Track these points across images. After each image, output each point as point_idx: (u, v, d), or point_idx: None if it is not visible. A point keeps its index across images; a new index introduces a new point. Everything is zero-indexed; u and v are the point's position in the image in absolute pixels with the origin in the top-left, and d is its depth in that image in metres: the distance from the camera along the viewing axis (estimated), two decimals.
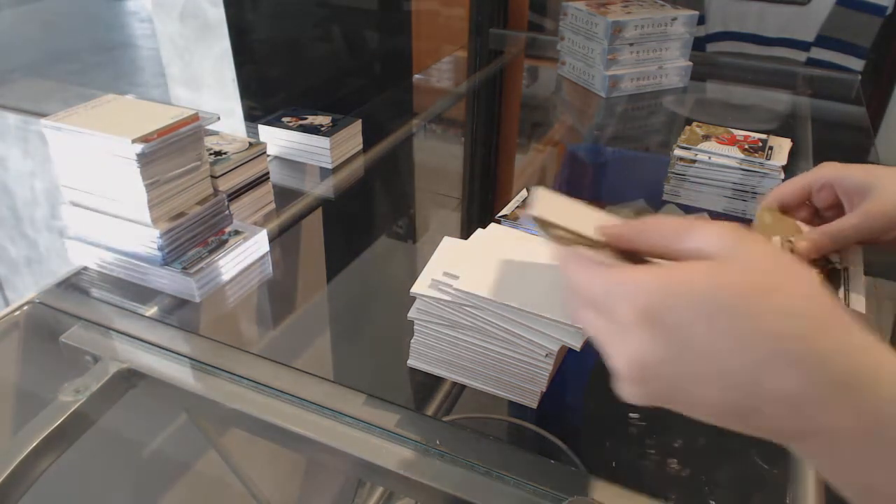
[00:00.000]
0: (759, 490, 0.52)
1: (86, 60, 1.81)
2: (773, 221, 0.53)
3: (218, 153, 0.78)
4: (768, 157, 0.82)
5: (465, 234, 0.59)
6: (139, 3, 2.14)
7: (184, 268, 0.67)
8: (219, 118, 0.78)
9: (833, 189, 0.53)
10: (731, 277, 0.29)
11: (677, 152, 0.86)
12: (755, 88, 1.33)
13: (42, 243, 1.59)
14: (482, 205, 1.03)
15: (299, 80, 1.22)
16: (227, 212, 0.73)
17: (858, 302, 0.49)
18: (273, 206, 0.85)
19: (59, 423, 0.55)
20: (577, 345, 0.49)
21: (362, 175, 0.99)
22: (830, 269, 0.51)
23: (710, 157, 0.84)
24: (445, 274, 0.52)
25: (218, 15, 1.01)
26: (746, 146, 0.85)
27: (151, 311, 0.67)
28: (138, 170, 0.63)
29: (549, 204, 0.34)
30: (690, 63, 1.26)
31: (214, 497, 0.83)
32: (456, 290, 0.51)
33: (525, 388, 0.54)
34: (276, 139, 0.97)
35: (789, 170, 0.84)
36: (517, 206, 0.68)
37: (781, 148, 0.85)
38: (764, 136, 0.87)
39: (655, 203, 0.86)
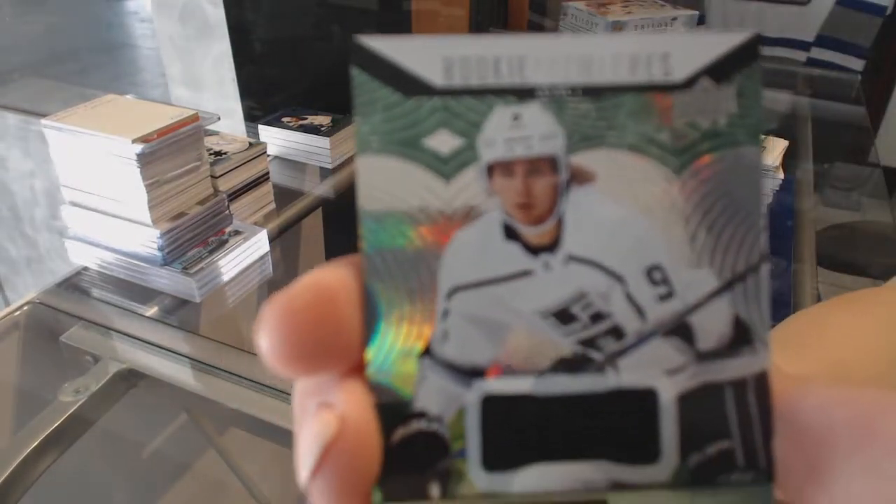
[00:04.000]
0: None
1: (86, 60, 1.81)
2: None
3: (218, 153, 0.78)
4: None
5: None
6: (139, 3, 2.14)
7: (184, 268, 0.67)
8: (219, 118, 0.78)
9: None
10: None
11: None
12: None
13: (42, 243, 1.59)
14: None
15: (299, 80, 1.22)
16: (227, 212, 0.73)
17: None
18: (273, 206, 0.85)
19: (59, 423, 0.55)
20: None
21: None
22: None
23: None
24: None
25: (218, 15, 1.01)
26: None
27: (151, 311, 0.67)
28: (138, 170, 0.63)
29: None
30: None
31: (214, 497, 0.83)
32: None
33: None
34: (276, 139, 0.97)
35: (786, 170, 0.84)
36: None
37: (774, 148, 0.84)
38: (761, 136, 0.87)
39: None
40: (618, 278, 0.14)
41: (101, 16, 2.11)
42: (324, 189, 0.93)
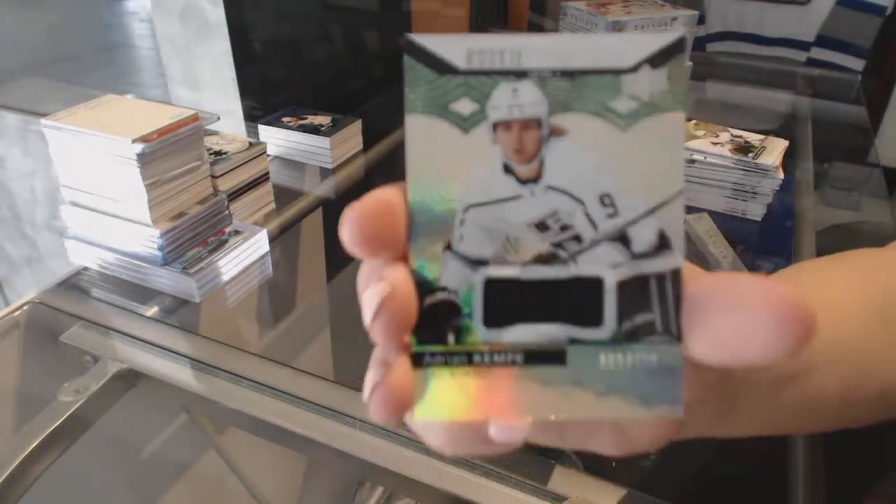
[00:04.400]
0: (759, 490, 0.52)
1: (85, 60, 1.81)
2: None
3: (218, 153, 0.78)
4: (756, 157, 0.82)
5: None
6: (139, 2, 2.14)
7: (184, 268, 0.67)
8: (219, 118, 0.78)
9: None
10: None
11: None
12: (755, 88, 1.33)
13: (42, 243, 1.59)
14: None
15: (299, 79, 1.22)
16: (227, 212, 0.73)
17: None
18: (273, 206, 0.85)
19: (58, 423, 0.55)
20: None
21: (362, 175, 0.99)
22: None
23: (705, 157, 0.84)
24: None
25: (218, 15, 1.01)
26: (737, 146, 0.85)
27: (151, 311, 0.67)
28: (138, 170, 0.63)
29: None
30: (690, 63, 1.26)
31: (214, 497, 0.83)
32: None
33: None
34: (276, 139, 0.97)
35: (786, 170, 0.84)
36: None
37: (774, 148, 0.84)
38: (761, 136, 0.88)
39: None
40: (580, 202, 0.20)
41: (100, 16, 2.11)
42: (324, 189, 0.93)
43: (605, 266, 0.20)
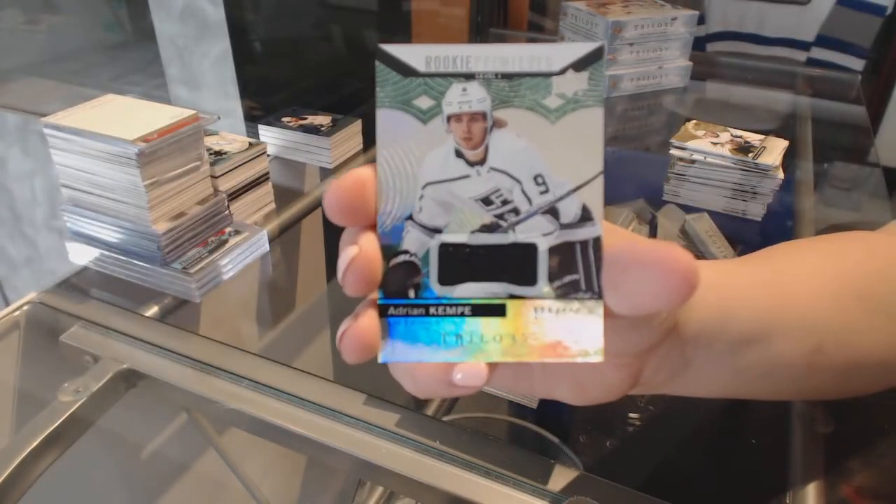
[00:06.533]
0: (759, 489, 0.52)
1: (85, 60, 1.81)
2: None
3: (218, 153, 0.78)
4: (756, 157, 0.82)
5: None
6: (139, 2, 2.13)
7: (184, 268, 0.67)
8: (219, 118, 0.78)
9: None
10: None
11: (673, 151, 0.86)
12: (755, 88, 1.33)
13: (42, 243, 1.59)
14: None
15: (299, 80, 1.22)
16: (227, 212, 0.73)
17: None
18: (273, 206, 0.85)
19: (58, 423, 0.54)
20: None
21: None
22: None
23: (705, 157, 0.84)
24: None
25: (218, 15, 1.01)
26: (737, 145, 0.85)
27: (151, 311, 0.67)
28: (138, 170, 0.63)
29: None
30: (690, 63, 1.26)
31: (214, 497, 0.83)
32: None
33: None
34: (276, 139, 0.97)
35: (786, 170, 0.84)
36: None
37: (774, 148, 0.84)
38: (761, 136, 0.87)
39: (655, 203, 0.86)
40: (517, 181, 0.23)
41: (100, 15, 2.10)
42: (324, 189, 0.93)
43: (538, 234, 0.23)
